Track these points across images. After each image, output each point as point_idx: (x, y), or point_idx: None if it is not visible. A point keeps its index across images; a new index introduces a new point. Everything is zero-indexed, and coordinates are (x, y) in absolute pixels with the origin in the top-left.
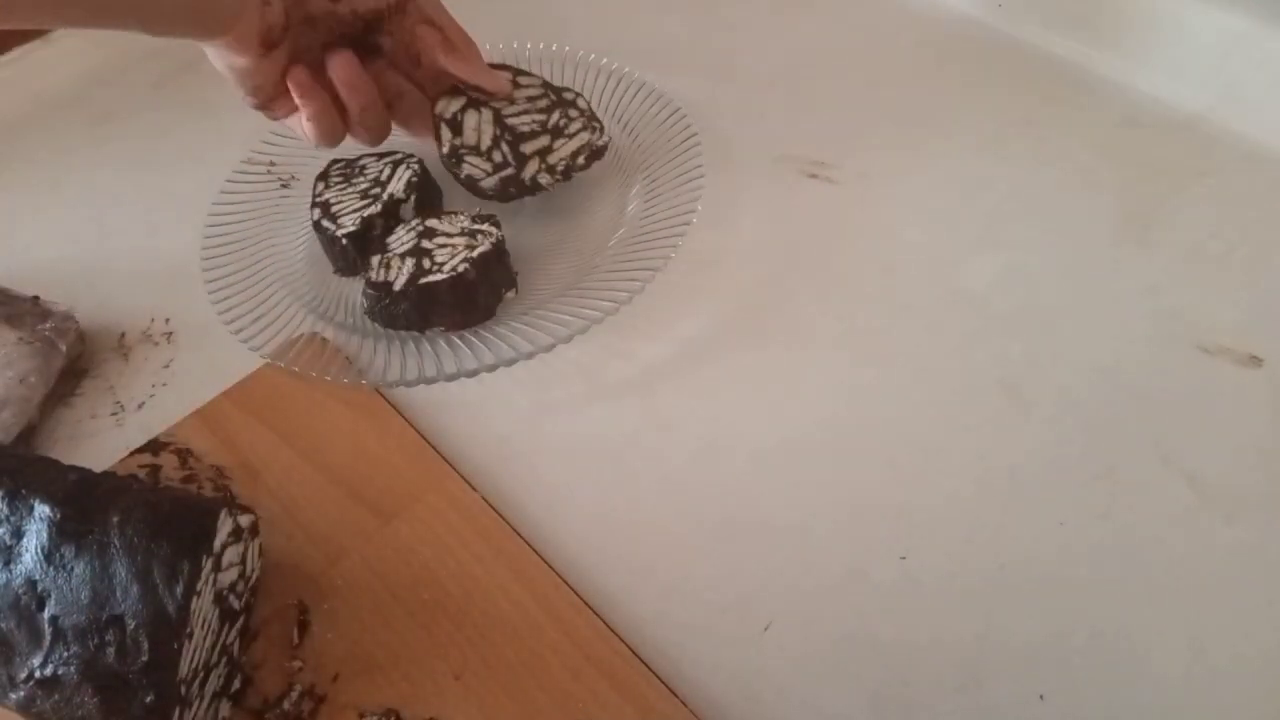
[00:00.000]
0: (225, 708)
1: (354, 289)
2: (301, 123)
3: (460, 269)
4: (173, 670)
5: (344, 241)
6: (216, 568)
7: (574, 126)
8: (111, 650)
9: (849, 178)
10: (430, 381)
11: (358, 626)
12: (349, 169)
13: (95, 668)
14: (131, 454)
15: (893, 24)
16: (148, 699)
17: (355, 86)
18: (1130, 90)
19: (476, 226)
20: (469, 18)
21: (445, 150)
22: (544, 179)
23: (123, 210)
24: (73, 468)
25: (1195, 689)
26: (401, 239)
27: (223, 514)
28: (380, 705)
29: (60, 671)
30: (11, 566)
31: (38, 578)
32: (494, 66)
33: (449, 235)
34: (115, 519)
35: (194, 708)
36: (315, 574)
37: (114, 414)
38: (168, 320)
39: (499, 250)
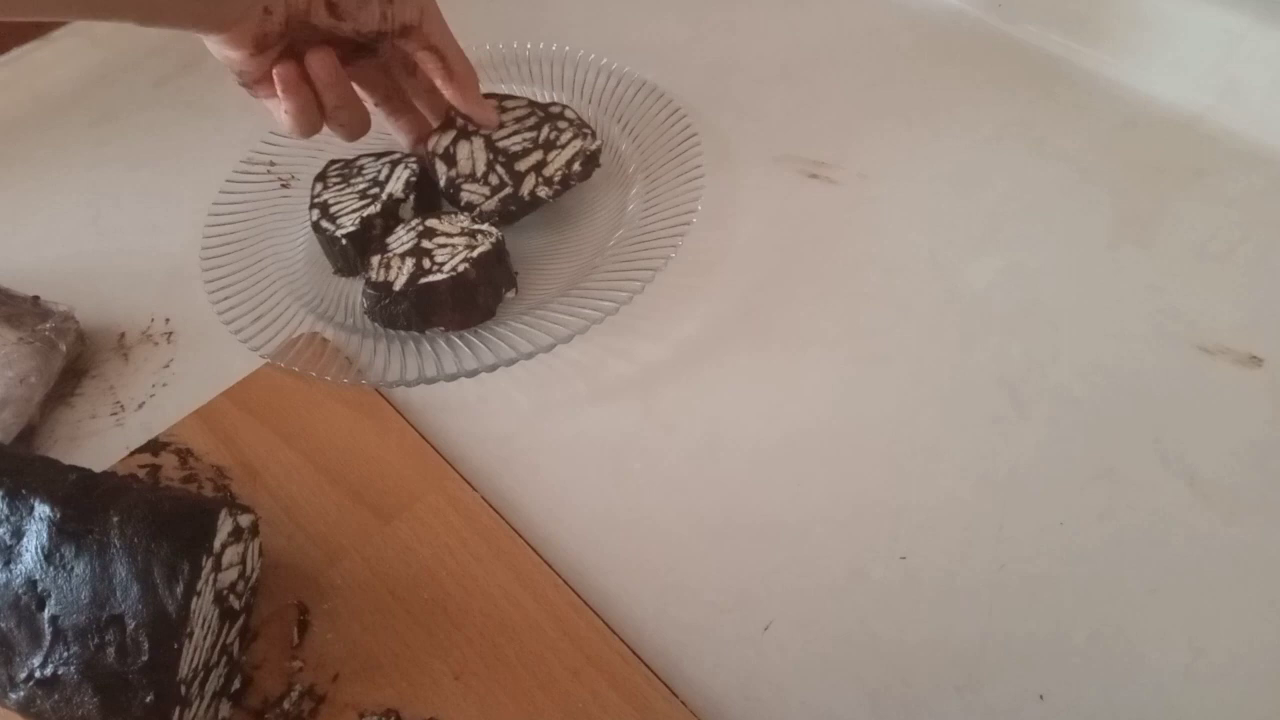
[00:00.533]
0: (225, 708)
1: (354, 289)
2: (279, 112)
3: (460, 269)
4: (173, 670)
5: (344, 242)
6: (216, 568)
7: (564, 137)
8: (111, 650)
9: (849, 178)
10: (430, 381)
11: (358, 626)
12: (347, 169)
13: (95, 668)
14: (131, 454)
15: (892, 24)
16: (148, 699)
17: (331, 85)
18: (1130, 90)
19: (476, 226)
20: (469, 18)
21: (443, 184)
22: (542, 192)
23: (123, 210)
24: (73, 468)
25: (1195, 689)
26: (401, 239)
27: (223, 514)
28: (380, 705)
29: (60, 671)
30: (11, 566)
31: (38, 578)
32: (485, 96)
33: (449, 235)
34: (115, 519)
35: (194, 708)
36: (315, 574)
37: (114, 414)
38: (168, 320)
39: (499, 250)
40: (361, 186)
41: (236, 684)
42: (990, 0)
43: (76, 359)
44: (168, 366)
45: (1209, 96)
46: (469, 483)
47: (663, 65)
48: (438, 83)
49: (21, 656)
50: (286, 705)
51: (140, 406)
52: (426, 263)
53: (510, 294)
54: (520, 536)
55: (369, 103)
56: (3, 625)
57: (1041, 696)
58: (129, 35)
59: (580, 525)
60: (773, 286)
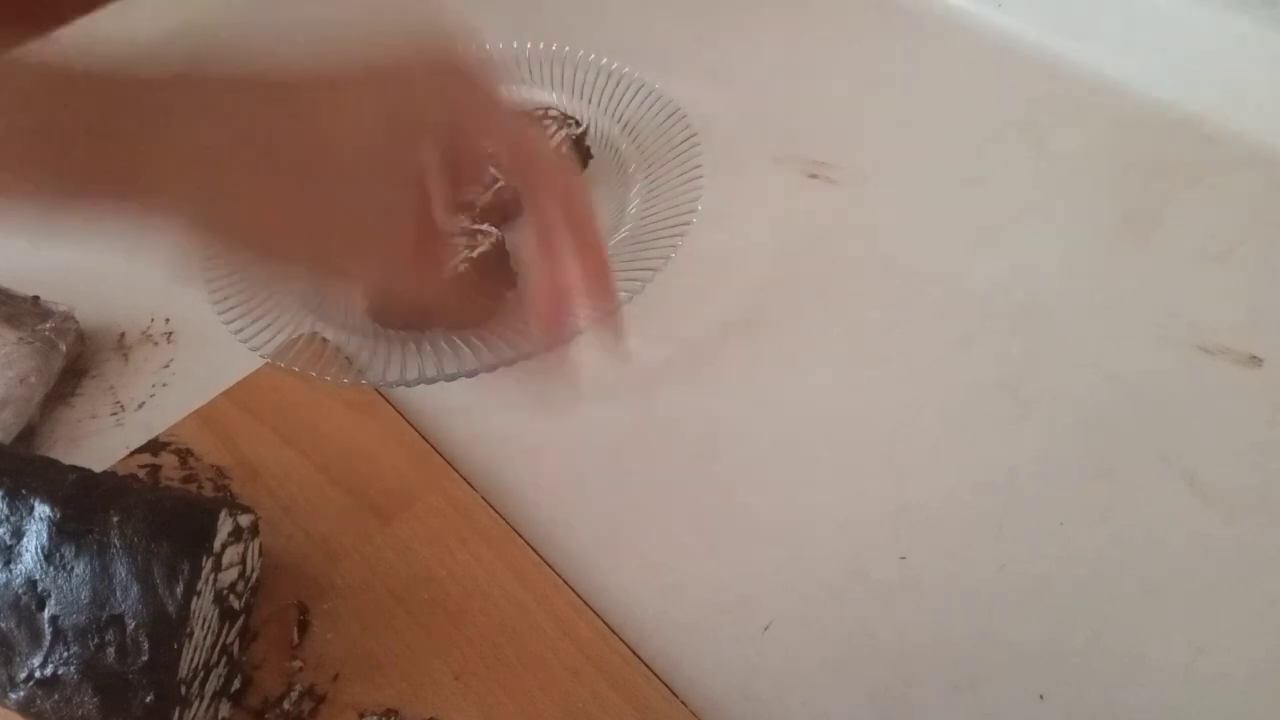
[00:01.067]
0: (225, 708)
1: (354, 289)
2: None
3: (460, 269)
4: (173, 670)
5: None
6: (216, 568)
7: (550, 130)
8: (111, 650)
9: (849, 178)
10: (430, 381)
11: (358, 626)
12: None
13: (95, 668)
14: (131, 454)
15: (892, 24)
16: (148, 699)
17: None
18: (1130, 90)
19: (477, 226)
20: (470, 17)
21: None
22: None
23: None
24: (73, 468)
25: (1195, 689)
26: None
27: (223, 514)
28: (380, 705)
29: (60, 671)
30: (11, 566)
31: (38, 578)
32: None
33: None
34: (115, 519)
35: (194, 708)
36: (315, 574)
37: (114, 414)
38: (168, 320)
39: (499, 250)
40: None
41: (236, 684)
42: (991, 0)
43: (76, 359)
44: (168, 366)
45: (1209, 96)
46: (469, 483)
47: (663, 65)
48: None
49: (21, 656)
50: (286, 705)
51: (140, 406)
52: None
53: (510, 294)
54: (520, 536)
55: None
56: (3, 625)
57: (1041, 696)
58: (129, 35)
59: (580, 525)
60: (773, 286)
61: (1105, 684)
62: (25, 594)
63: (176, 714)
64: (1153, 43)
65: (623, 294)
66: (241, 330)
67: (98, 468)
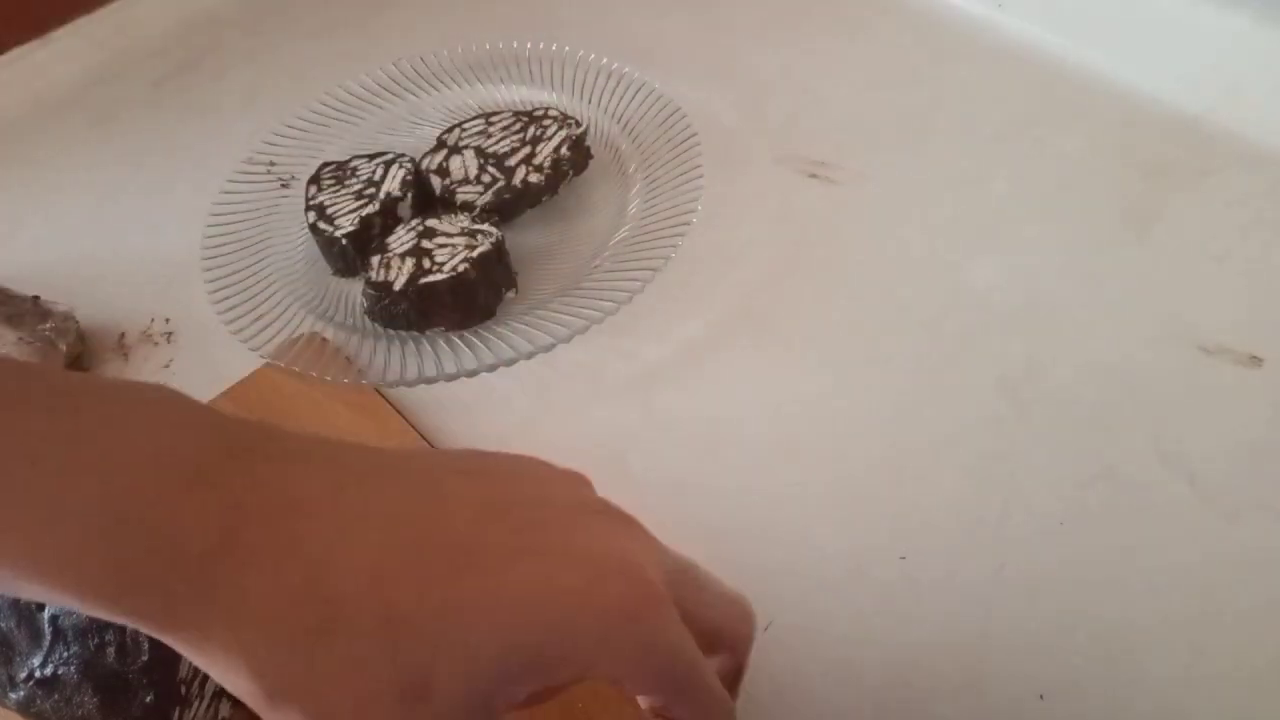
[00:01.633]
0: (225, 708)
1: (354, 289)
2: None
3: (460, 269)
4: (173, 670)
5: (344, 241)
6: None
7: (550, 130)
8: (111, 650)
9: (849, 178)
10: (430, 381)
11: None
12: (340, 171)
13: (95, 668)
14: None
15: (892, 24)
16: (148, 699)
17: None
18: (1130, 90)
19: (477, 226)
20: (470, 17)
21: (439, 193)
22: (534, 178)
23: (123, 210)
24: None
25: (1195, 689)
26: (401, 239)
27: None
28: None
29: (60, 671)
30: None
31: None
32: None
33: (449, 235)
34: None
35: (194, 707)
36: None
37: None
38: (168, 320)
39: (499, 250)
40: (357, 187)
41: None
42: (991, 0)
43: (76, 359)
44: (168, 366)
45: (1209, 96)
46: None
47: (663, 65)
48: None
49: (21, 656)
50: None
51: None
52: (426, 263)
53: (510, 294)
54: None
55: None
56: (3, 625)
57: (1041, 696)
58: (129, 35)
59: None
60: (773, 286)
61: (1105, 684)
62: None
63: (176, 714)
64: (1153, 43)
65: (623, 294)
66: (241, 330)
67: None
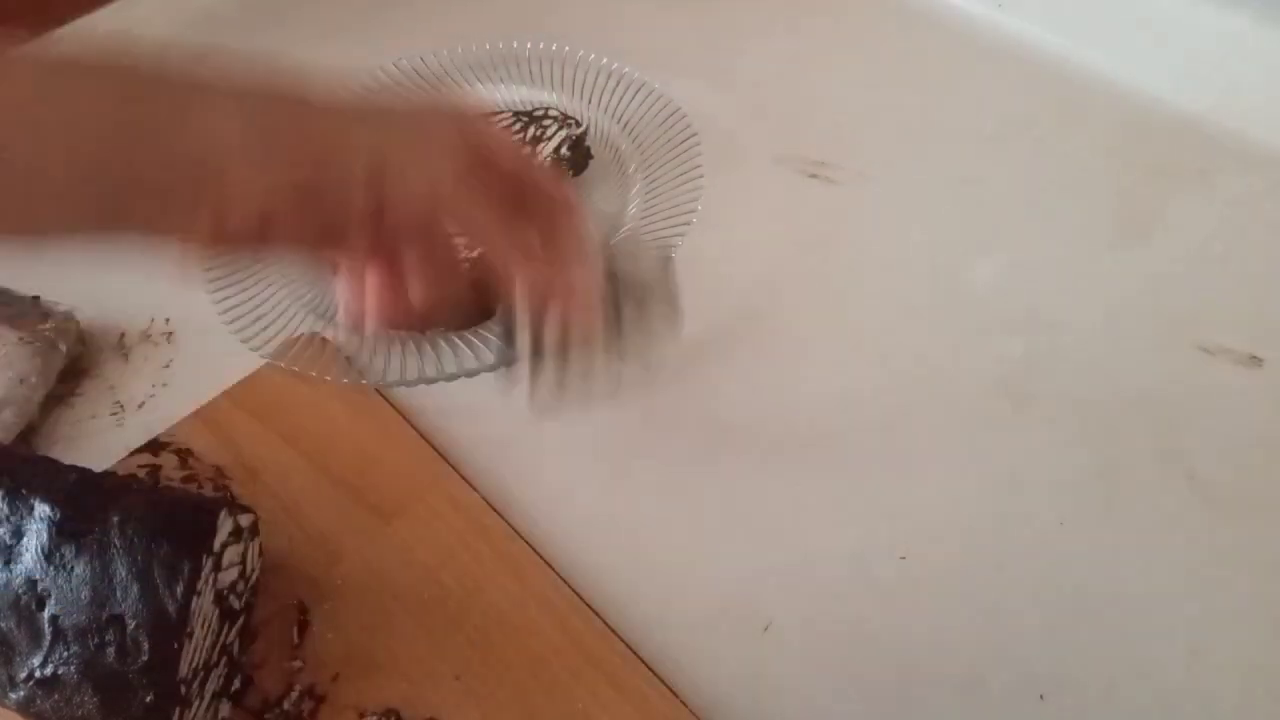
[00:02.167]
0: (225, 708)
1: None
2: None
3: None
4: (173, 670)
5: None
6: (216, 567)
7: (549, 130)
8: (111, 650)
9: (849, 178)
10: (430, 381)
11: (358, 626)
12: None
13: (95, 668)
14: (131, 454)
15: (893, 24)
16: (148, 699)
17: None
18: (1130, 90)
19: None
20: (470, 17)
21: None
22: None
23: None
24: (73, 468)
25: (1195, 689)
26: None
27: (223, 514)
28: (380, 705)
29: (60, 671)
30: (11, 566)
31: (38, 577)
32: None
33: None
34: (115, 519)
35: (194, 708)
36: (315, 574)
37: (114, 414)
38: (168, 320)
39: None
40: None
41: (236, 684)
42: (991, 0)
43: (76, 359)
44: (168, 366)
45: (1209, 96)
46: (469, 483)
47: (663, 65)
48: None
49: (21, 656)
50: (286, 705)
51: (140, 406)
52: None
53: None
54: (520, 536)
55: None
56: (3, 625)
57: (1041, 696)
58: (129, 35)
59: (580, 525)
60: (773, 286)
61: (1105, 684)
62: (25, 594)
63: (176, 714)
64: (1153, 43)
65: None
66: (241, 330)
67: (98, 468)
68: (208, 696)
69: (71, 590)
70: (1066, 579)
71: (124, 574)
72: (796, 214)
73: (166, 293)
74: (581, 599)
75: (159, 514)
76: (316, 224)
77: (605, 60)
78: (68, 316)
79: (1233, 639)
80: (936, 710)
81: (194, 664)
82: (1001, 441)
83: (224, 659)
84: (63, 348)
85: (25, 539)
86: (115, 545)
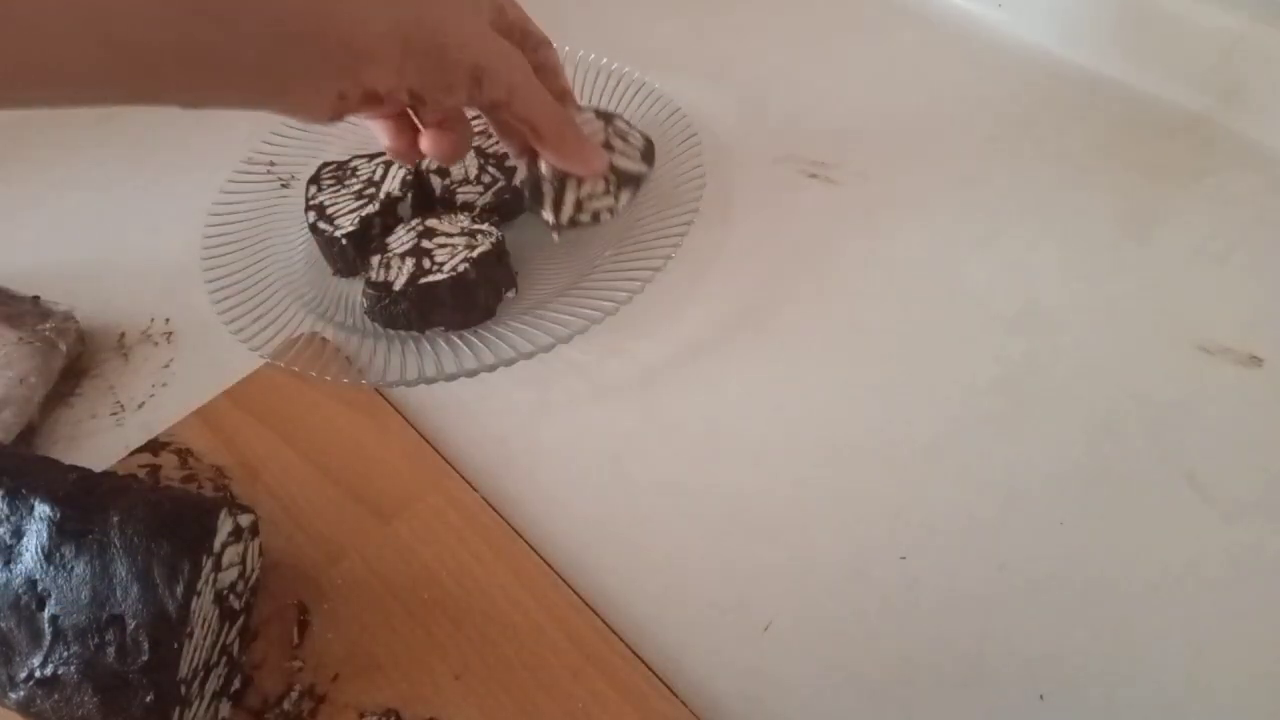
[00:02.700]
0: (225, 708)
1: (354, 289)
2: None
3: (460, 269)
4: (173, 670)
5: (344, 241)
6: (216, 567)
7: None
8: (111, 650)
9: (849, 178)
10: (430, 381)
11: (358, 626)
12: (340, 171)
13: (95, 667)
14: (131, 454)
15: (892, 24)
16: (148, 699)
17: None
18: (1130, 90)
19: (476, 226)
20: None
21: (439, 193)
22: None
23: (123, 210)
24: (73, 467)
25: (1195, 689)
26: (401, 239)
27: (223, 514)
28: (380, 705)
29: (60, 671)
30: (11, 566)
31: (38, 577)
32: None
33: (449, 235)
34: (115, 519)
35: (194, 707)
36: (315, 574)
37: (114, 414)
38: (168, 320)
39: (499, 250)
40: (357, 187)
41: (236, 684)
42: (991, 0)
43: (76, 359)
44: (168, 366)
45: (1209, 96)
46: (469, 483)
47: (663, 65)
48: (523, 165)
49: (21, 656)
50: (286, 705)
51: (140, 406)
52: (426, 263)
53: (510, 294)
54: (520, 536)
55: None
56: (3, 625)
57: (1041, 696)
58: None
59: (580, 525)
60: (773, 286)
61: (1105, 684)
62: (25, 594)
63: (176, 714)
64: (1153, 43)
65: (623, 294)
66: (241, 330)
67: (98, 468)
68: (208, 696)
69: (71, 590)
70: (1066, 579)
71: (124, 574)
72: (796, 214)
73: (166, 293)
74: (581, 599)
75: (159, 514)
76: (419, 107)
77: (605, 60)
78: (68, 316)
79: (1233, 639)
80: (936, 710)
81: (194, 664)
82: (1001, 441)
83: (224, 659)
84: (63, 348)
85: (25, 539)
86: (115, 545)
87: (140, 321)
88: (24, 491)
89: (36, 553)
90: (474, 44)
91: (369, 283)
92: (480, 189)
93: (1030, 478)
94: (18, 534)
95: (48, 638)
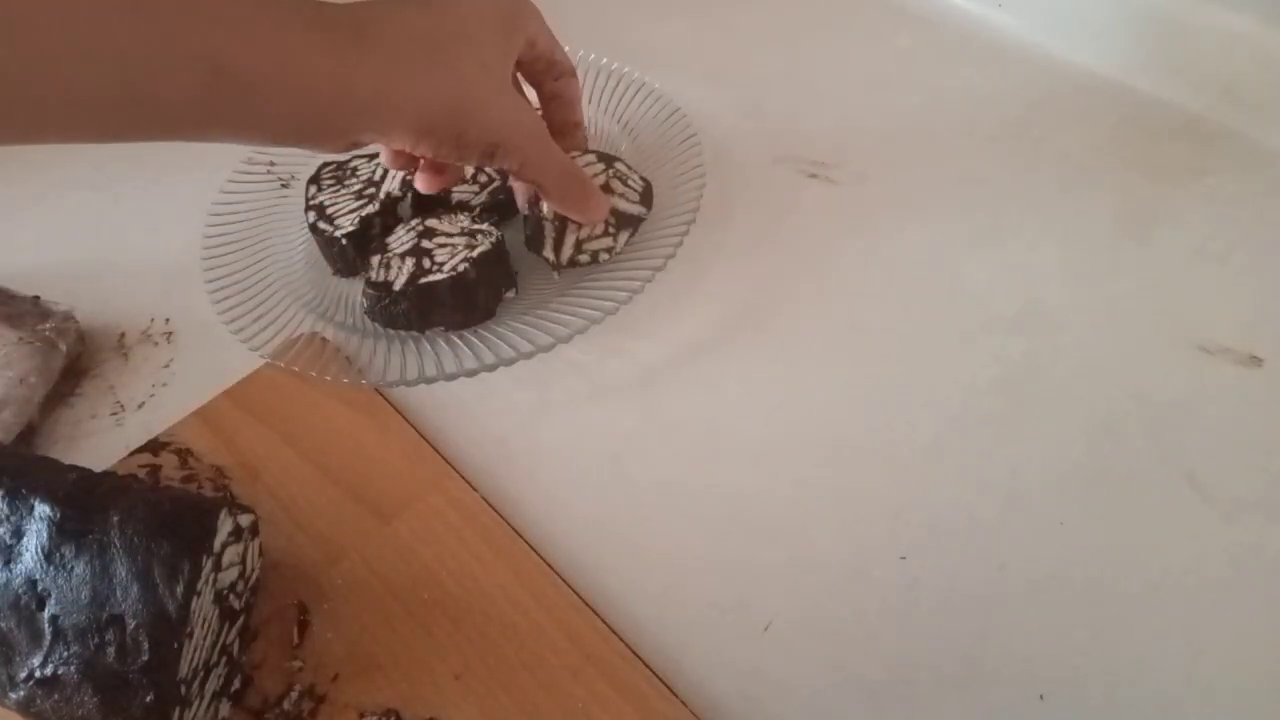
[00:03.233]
0: (225, 708)
1: (354, 289)
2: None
3: (460, 269)
4: (173, 670)
5: (344, 242)
6: (216, 567)
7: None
8: (111, 650)
9: (849, 178)
10: (430, 381)
11: (358, 626)
12: (340, 171)
13: (95, 667)
14: (131, 454)
15: (892, 24)
16: (148, 699)
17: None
18: (1130, 90)
19: (476, 226)
20: None
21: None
22: None
23: (123, 210)
24: (73, 467)
25: (1195, 689)
26: (401, 239)
27: (223, 514)
28: (380, 705)
29: (60, 671)
30: (11, 566)
31: (38, 577)
32: None
33: (449, 235)
34: (115, 519)
35: (194, 707)
36: (315, 574)
37: (114, 414)
38: (168, 320)
39: (499, 250)
40: (357, 187)
41: (236, 684)
42: (991, 0)
43: (76, 359)
44: (168, 366)
45: (1209, 96)
46: (469, 483)
47: (662, 65)
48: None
49: (21, 656)
50: (286, 705)
51: (140, 406)
52: (426, 262)
53: (510, 294)
54: (520, 536)
55: None
56: (3, 625)
57: (1041, 696)
58: None
59: (580, 525)
60: (773, 286)
61: (1105, 684)
62: (25, 594)
63: (176, 714)
64: (1152, 42)
65: (623, 294)
66: (241, 330)
67: (98, 468)
68: (208, 696)
69: (71, 590)
70: (1066, 579)
71: (124, 574)
72: (796, 214)
73: (166, 293)
74: (581, 599)
75: (159, 514)
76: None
77: (605, 60)
78: (68, 316)
79: (1233, 639)
80: (936, 710)
81: (194, 664)
82: (1001, 441)
83: (224, 659)
84: (63, 348)
85: (25, 539)
86: (115, 545)
87: (140, 321)
88: (24, 491)
89: (36, 553)
90: (493, 125)
91: (369, 283)
92: (476, 188)
93: (1030, 478)
94: (18, 534)
95: (48, 638)
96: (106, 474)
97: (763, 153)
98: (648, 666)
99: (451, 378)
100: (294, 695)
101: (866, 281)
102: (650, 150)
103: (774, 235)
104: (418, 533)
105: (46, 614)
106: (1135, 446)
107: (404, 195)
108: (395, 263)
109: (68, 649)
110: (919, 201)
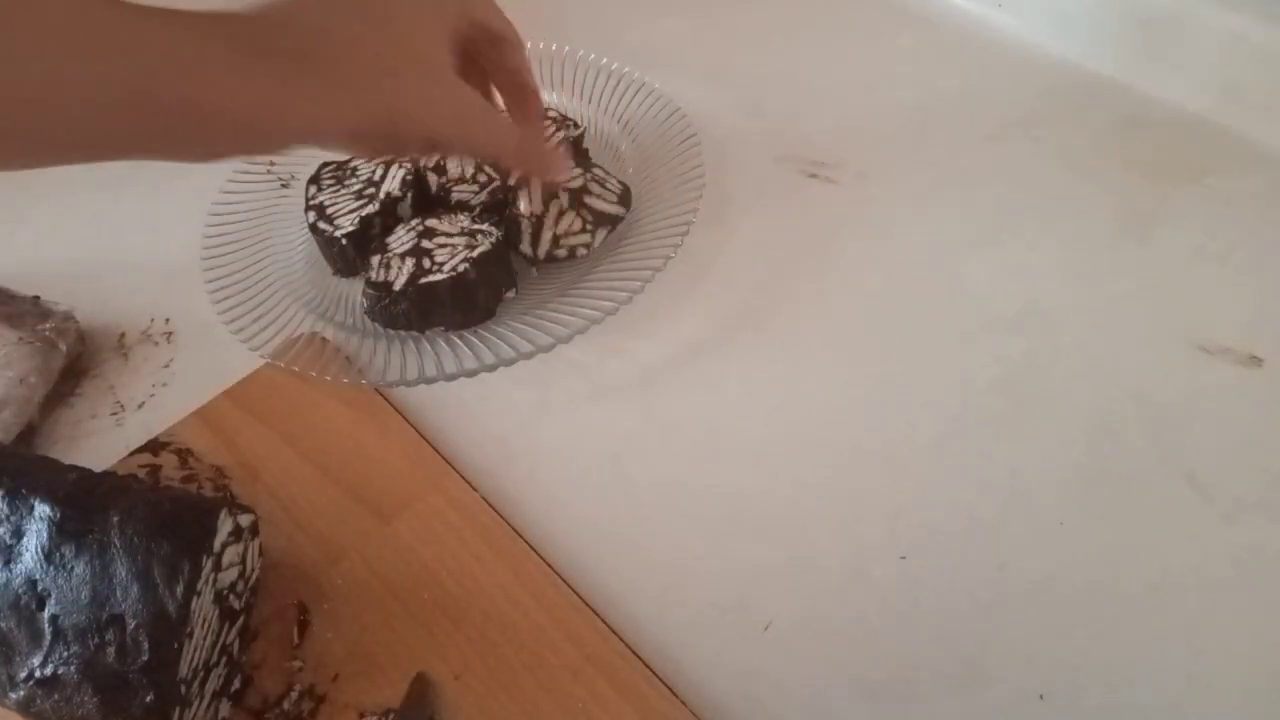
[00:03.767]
0: (225, 707)
1: (354, 289)
2: None
3: (460, 269)
4: (173, 670)
5: (344, 241)
6: (216, 567)
7: (549, 130)
8: (111, 650)
9: (849, 178)
10: (430, 381)
11: (358, 626)
12: (340, 171)
13: (95, 667)
14: (131, 454)
15: (892, 23)
16: (148, 699)
17: None
18: (1130, 90)
19: (476, 226)
20: None
21: (435, 190)
22: None
23: (123, 210)
24: (73, 467)
25: (1195, 689)
26: (401, 239)
27: (223, 514)
28: (380, 705)
29: (60, 671)
30: (11, 566)
31: (38, 577)
32: None
33: (449, 235)
34: (115, 519)
35: (194, 707)
36: (315, 574)
37: (114, 414)
38: (168, 320)
39: (499, 250)
40: (357, 187)
41: (236, 684)
42: (991, 0)
43: (76, 359)
44: (168, 366)
45: (1209, 96)
46: (469, 483)
47: (663, 65)
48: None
49: (21, 656)
50: (286, 705)
51: (140, 406)
52: (426, 262)
53: (510, 294)
54: (520, 536)
55: None
56: (3, 625)
57: (1041, 696)
58: None
59: (580, 525)
60: (773, 286)
61: (1105, 684)
62: (25, 594)
63: (176, 714)
64: (1153, 43)
65: (623, 294)
66: (241, 330)
67: (98, 468)
68: (208, 696)
69: (71, 590)
70: (1066, 579)
71: (124, 574)
72: (796, 214)
73: (166, 293)
74: (581, 599)
75: (159, 514)
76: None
77: (605, 60)
78: (68, 316)
79: (1233, 639)
80: (936, 710)
81: (194, 664)
82: (1001, 441)
83: (224, 659)
84: (63, 348)
85: (25, 539)
86: (115, 545)
87: (140, 321)
88: (24, 491)
89: (36, 553)
90: (428, 120)
91: (369, 283)
92: (475, 188)
93: (1030, 478)
94: (18, 534)
95: (48, 638)
96: (106, 474)
97: (763, 153)
98: (648, 666)
99: (451, 378)
100: (294, 695)
101: (866, 281)
102: (650, 150)
103: (774, 235)
104: (418, 533)
105: (46, 614)
106: (1135, 446)
107: (404, 195)
108: (395, 263)
109: (68, 649)
110: (919, 201)
